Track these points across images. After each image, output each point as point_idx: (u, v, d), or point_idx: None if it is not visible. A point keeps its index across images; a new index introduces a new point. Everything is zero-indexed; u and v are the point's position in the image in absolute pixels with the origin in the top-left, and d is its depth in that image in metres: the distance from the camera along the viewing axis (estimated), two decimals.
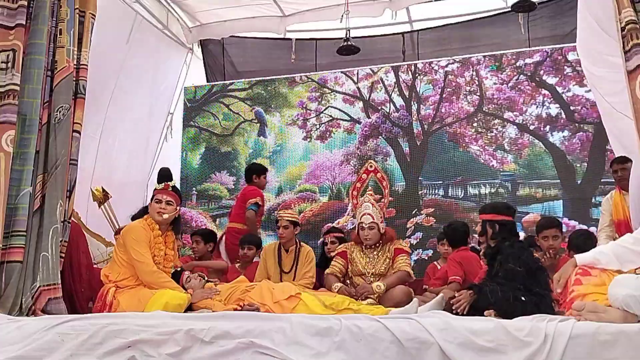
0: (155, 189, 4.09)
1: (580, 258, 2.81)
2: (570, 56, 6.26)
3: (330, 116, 7.39)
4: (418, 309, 3.37)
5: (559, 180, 6.19)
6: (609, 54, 3.90)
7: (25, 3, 3.68)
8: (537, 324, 2.58)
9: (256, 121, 7.69)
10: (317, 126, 7.43)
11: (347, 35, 6.19)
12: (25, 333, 2.86)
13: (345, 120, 7.32)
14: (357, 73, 7.30)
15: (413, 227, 6.62)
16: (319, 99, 7.46)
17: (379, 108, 7.16)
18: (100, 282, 3.93)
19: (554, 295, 3.52)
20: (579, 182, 6.09)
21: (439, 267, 5.07)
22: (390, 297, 4.07)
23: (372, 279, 4.34)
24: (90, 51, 4.05)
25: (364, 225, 4.43)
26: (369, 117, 7.20)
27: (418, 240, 6.55)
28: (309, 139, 7.46)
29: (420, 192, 6.72)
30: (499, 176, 6.46)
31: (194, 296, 3.78)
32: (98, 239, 5.28)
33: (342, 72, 7.34)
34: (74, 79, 3.95)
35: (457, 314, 3.30)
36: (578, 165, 6.14)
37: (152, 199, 4.06)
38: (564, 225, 5.13)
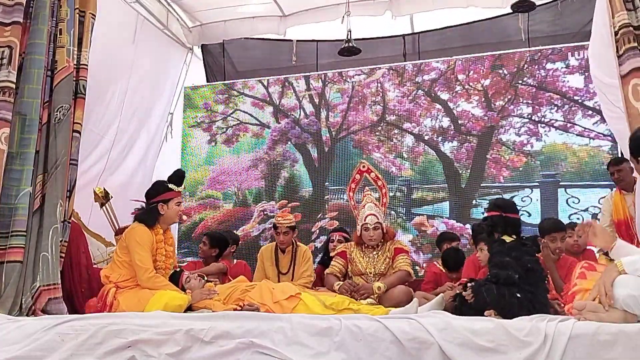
0: (171, 191, 3.99)
1: (626, 261, 2.58)
2: (460, 76, 6.79)
3: (238, 120, 7.39)
4: (418, 309, 3.37)
5: (446, 185, 6.70)
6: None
7: (23, 1, 3.68)
8: (537, 324, 2.58)
9: None
10: (224, 130, 7.42)
11: (349, 36, 6.19)
12: (25, 333, 2.86)
13: (254, 124, 7.35)
14: (268, 80, 7.39)
15: (318, 230, 6.75)
16: (226, 102, 7.47)
17: (289, 114, 7.24)
18: (100, 282, 3.93)
19: (552, 295, 3.52)
20: (463, 186, 6.65)
21: (438, 265, 5.07)
22: (390, 297, 4.07)
23: (372, 279, 4.34)
24: (99, 52, 4.04)
25: (368, 226, 4.41)
26: (278, 123, 7.26)
27: (322, 243, 6.60)
28: (213, 143, 7.43)
29: (326, 197, 6.98)
30: (397, 181, 6.83)
31: (193, 297, 3.77)
32: (98, 239, 5.29)
33: (285, 77, 7.36)
34: (74, 78, 3.96)
35: (465, 300, 3.31)
36: (463, 171, 6.68)
37: (168, 201, 3.95)
38: (443, 226, 6.41)
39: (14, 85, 3.57)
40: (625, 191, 4.56)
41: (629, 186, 4.50)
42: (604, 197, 4.95)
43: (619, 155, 5.08)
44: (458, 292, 3.51)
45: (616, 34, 3.42)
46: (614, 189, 4.79)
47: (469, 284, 3.39)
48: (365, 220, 4.44)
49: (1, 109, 3.53)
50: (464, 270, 4.47)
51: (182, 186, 4.08)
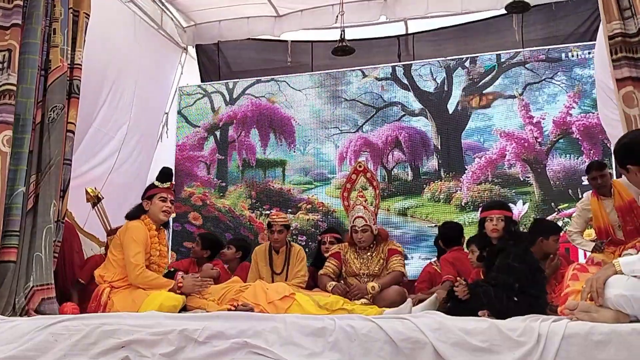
0: (155, 187, 4.05)
1: (624, 261, 2.59)
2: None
3: (234, 120, 7.45)
4: (412, 309, 3.38)
5: None
6: None
7: (21, 3, 3.66)
8: (530, 324, 2.58)
9: None
10: (219, 130, 7.50)
11: (342, 36, 6.19)
12: (18, 333, 2.85)
13: (250, 124, 7.41)
14: (262, 80, 7.44)
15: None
16: (221, 102, 7.50)
17: (286, 115, 7.26)
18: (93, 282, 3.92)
19: (549, 297, 3.54)
20: None
21: (434, 266, 5.09)
22: (384, 297, 4.08)
23: (366, 280, 4.34)
24: (99, 51, 4.02)
25: (357, 228, 4.44)
26: (276, 122, 7.27)
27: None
28: (208, 143, 7.48)
29: None
30: None
31: (185, 285, 3.73)
32: (92, 239, 5.26)
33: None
34: (68, 78, 3.94)
35: (459, 300, 3.31)
36: None
37: (151, 197, 4.01)
38: None
39: (14, 88, 3.56)
40: (604, 196, 4.42)
41: (608, 191, 4.40)
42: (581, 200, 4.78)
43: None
44: (451, 286, 3.48)
45: (611, 38, 3.47)
46: (590, 194, 4.57)
47: (463, 281, 3.38)
48: (353, 222, 4.47)
49: (2, 112, 3.52)
50: (442, 269, 4.50)
51: (169, 183, 4.09)
